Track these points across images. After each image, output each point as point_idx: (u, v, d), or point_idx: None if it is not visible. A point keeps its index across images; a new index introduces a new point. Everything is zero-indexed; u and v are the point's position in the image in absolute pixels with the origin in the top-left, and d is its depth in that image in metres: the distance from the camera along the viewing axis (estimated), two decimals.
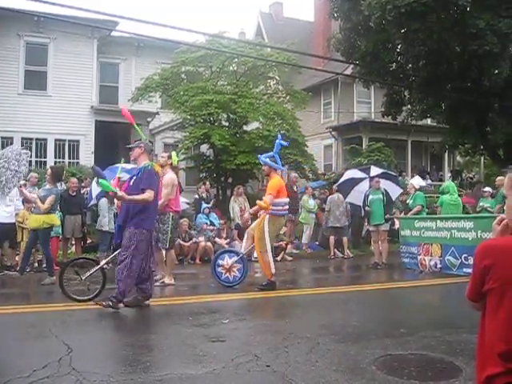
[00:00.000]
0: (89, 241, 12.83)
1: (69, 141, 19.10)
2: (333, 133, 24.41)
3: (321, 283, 10.09)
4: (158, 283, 8.22)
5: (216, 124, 18.50)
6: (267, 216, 8.23)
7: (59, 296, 6.87)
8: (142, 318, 6.36)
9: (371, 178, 12.33)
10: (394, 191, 12.62)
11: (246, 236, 8.95)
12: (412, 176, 21.62)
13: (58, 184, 12.18)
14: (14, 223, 10.36)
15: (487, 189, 14.09)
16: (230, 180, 18.72)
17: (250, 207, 12.98)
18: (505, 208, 2.12)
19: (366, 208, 11.93)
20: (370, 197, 11.78)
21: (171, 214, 8.33)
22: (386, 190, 11.90)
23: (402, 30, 13.79)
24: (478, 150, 18.81)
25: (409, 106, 17.93)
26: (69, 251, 11.86)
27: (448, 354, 4.52)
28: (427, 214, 12.44)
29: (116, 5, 65.66)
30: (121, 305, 6.42)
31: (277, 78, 20.92)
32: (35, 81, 18.86)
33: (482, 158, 24.34)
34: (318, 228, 15.39)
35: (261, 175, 18.28)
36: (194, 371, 4.03)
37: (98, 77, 20.41)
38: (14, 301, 7.50)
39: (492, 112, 15.64)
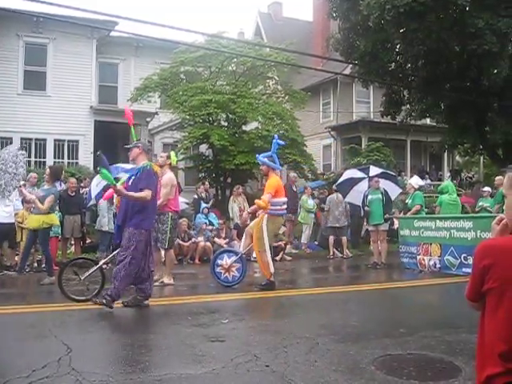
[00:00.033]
0: (88, 241, 12.82)
1: (68, 141, 19.10)
2: (332, 133, 24.41)
3: (320, 283, 10.09)
4: (156, 283, 8.21)
5: (215, 124, 18.51)
6: (266, 216, 8.24)
7: (59, 296, 6.86)
8: (142, 318, 6.35)
9: (370, 178, 12.33)
10: (394, 191, 12.62)
11: (244, 235, 8.95)
12: (411, 176, 21.62)
13: (58, 184, 12.21)
14: (14, 223, 10.35)
15: (486, 188, 14.09)
16: (229, 180, 18.72)
17: (249, 207, 13.00)
18: (504, 208, 2.12)
19: (366, 208, 11.93)
20: (369, 197, 11.78)
21: (170, 213, 8.32)
22: (385, 190, 11.90)
23: (401, 30, 13.80)
24: (477, 150, 18.83)
25: (408, 106, 17.94)
26: (68, 251, 11.85)
27: (447, 353, 4.52)
28: (426, 213, 12.44)
29: (115, 5, 65.66)
30: (114, 304, 6.41)
31: (276, 77, 20.92)
32: (34, 81, 18.85)
33: (482, 158, 24.36)
34: (317, 228, 15.40)
35: (260, 175, 18.27)
36: (193, 371, 4.03)
37: (97, 77, 20.42)
38: (14, 301, 7.49)
39: (491, 112, 15.65)
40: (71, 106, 18.62)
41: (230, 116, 18.63)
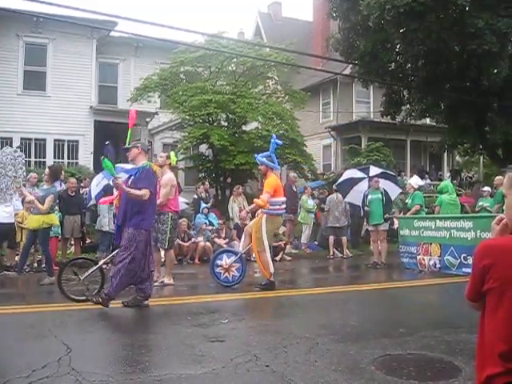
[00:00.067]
0: (88, 241, 12.82)
1: (68, 141, 19.10)
2: (332, 133, 24.41)
3: (320, 283, 10.09)
4: (156, 283, 8.21)
5: (215, 124, 18.51)
6: (265, 215, 8.24)
7: (59, 296, 6.86)
8: (142, 318, 6.35)
9: (370, 178, 12.33)
10: (393, 191, 12.62)
11: (243, 235, 8.95)
12: (411, 176, 21.62)
13: (58, 183, 12.21)
14: (14, 223, 10.35)
15: (486, 188, 14.09)
16: (229, 180, 18.72)
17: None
18: (504, 207, 2.12)
19: (365, 208, 11.93)
20: (369, 196, 11.78)
21: (170, 214, 8.32)
22: (385, 190, 11.90)
23: (401, 30, 13.80)
24: (477, 150, 18.84)
25: (408, 106, 17.95)
26: (68, 251, 11.85)
27: (447, 353, 4.52)
28: (426, 213, 12.44)
29: (115, 5, 65.62)
30: (110, 303, 6.41)
31: (276, 77, 20.92)
32: (34, 81, 18.85)
33: (481, 158, 24.36)
34: (317, 228, 15.40)
35: (259, 175, 18.27)
36: (193, 371, 4.03)
37: (97, 77, 20.41)
38: (14, 301, 7.48)
39: (491, 111, 15.66)
40: (71, 106, 18.63)
41: (230, 116, 18.63)
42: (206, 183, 16.40)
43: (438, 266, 10.34)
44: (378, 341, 4.97)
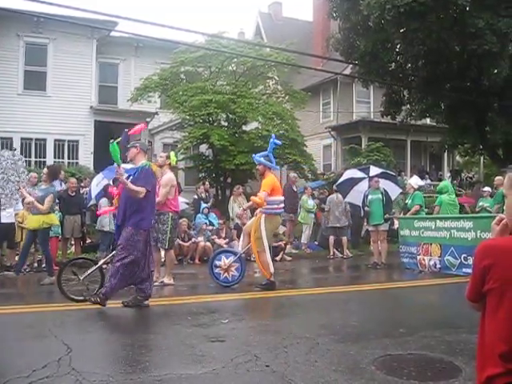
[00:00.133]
0: (88, 241, 12.83)
1: (68, 141, 19.11)
2: (332, 133, 24.41)
3: (320, 283, 10.09)
4: (156, 283, 8.21)
5: (215, 124, 18.51)
6: (263, 215, 8.24)
7: (59, 296, 6.87)
8: (142, 318, 6.35)
9: (370, 178, 12.33)
10: (394, 191, 12.62)
11: (242, 235, 8.95)
12: (411, 176, 21.61)
13: (58, 183, 12.22)
14: (14, 223, 10.36)
15: (487, 188, 14.09)
16: (229, 180, 18.71)
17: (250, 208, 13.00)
18: (504, 208, 2.12)
19: (366, 208, 11.93)
20: (370, 197, 11.78)
21: (170, 214, 8.32)
22: (385, 190, 11.90)
23: (401, 30, 13.80)
24: (477, 150, 18.84)
25: (408, 106, 17.95)
26: (68, 251, 11.86)
27: (447, 353, 4.52)
28: (426, 213, 12.43)
29: (115, 5, 65.66)
30: (107, 302, 6.41)
31: (276, 77, 20.92)
32: (35, 81, 18.86)
33: (482, 158, 24.36)
34: (317, 228, 15.40)
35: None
36: (193, 371, 4.03)
37: (97, 77, 20.42)
38: (14, 301, 7.49)
39: (491, 112, 15.65)
40: (71, 106, 18.63)
41: (230, 116, 18.63)
42: (207, 183, 16.40)
43: (438, 266, 10.33)
44: (378, 341, 4.97)
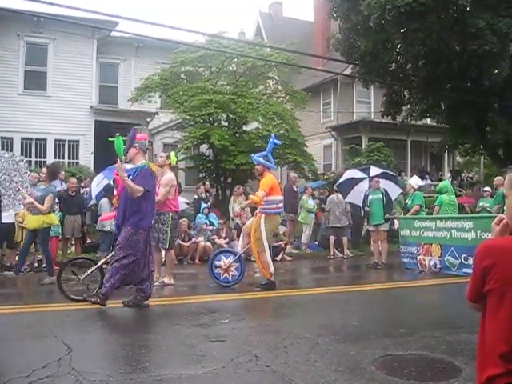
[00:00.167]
0: (88, 241, 12.84)
1: (68, 141, 19.12)
2: (332, 133, 24.41)
3: (320, 283, 10.09)
4: (157, 283, 8.22)
5: (215, 124, 18.52)
6: (263, 215, 8.24)
7: (59, 296, 6.87)
8: (142, 318, 6.35)
9: (371, 178, 12.33)
10: (394, 191, 12.62)
11: (242, 234, 8.95)
12: (411, 176, 21.62)
13: (59, 183, 12.22)
14: (14, 223, 10.36)
15: (487, 188, 14.09)
16: (229, 180, 18.72)
17: (250, 208, 13.00)
18: (505, 208, 2.11)
19: (366, 208, 11.93)
20: (370, 197, 11.78)
21: (170, 213, 8.32)
22: (385, 190, 11.90)
23: (402, 30, 13.81)
24: (477, 150, 18.84)
25: (408, 106, 17.95)
26: (68, 251, 11.86)
27: (448, 354, 4.52)
28: (427, 213, 12.43)
29: (115, 5, 65.69)
30: (107, 302, 6.41)
31: (276, 77, 20.93)
32: (35, 81, 18.86)
33: (482, 158, 24.36)
34: (318, 228, 15.40)
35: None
36: (193, 371, 4.03)
37: (97, 77, 20.42)
38: (14, 301, 7.50)
39: (492, 112, 15.66)
40: (72, 106, 18.64)
41: (231, 116, 18.64)
42: (207, 183, 16.40)
43: (438, 266, 10.33)
44: (378, 341, 4.97)
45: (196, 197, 15.08)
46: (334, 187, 14.44)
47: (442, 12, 13.30)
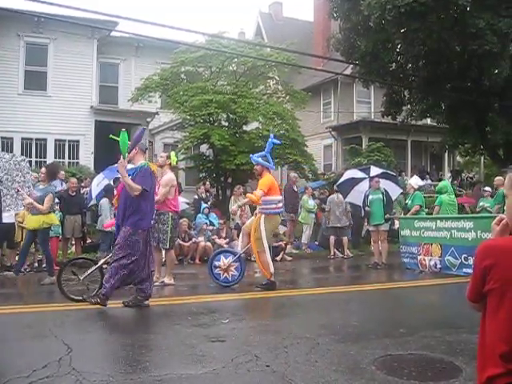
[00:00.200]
0: (89, 241, 12.83)
1: (69, 141, 19.13)
2: (332, 133, 24.41)
3: (320, 283, 10.09)
4: (157, 283, 8.22)
5: (216, 124, 18.52)
6: (262, 216, 8.24)
7: (59, 296, 6.87)
8: (142, 318, 6.35)
9: (371, 178, 12.33)
10: (394, 191, 12.62)
11: (241, 234, 8.95)
12: (411, 176, 21.62)
13: (59, 183, 12.22)
14: (14, 223, 10.35)
15: (487, 188, 14.08)
16: (229, 180, 18.72)
17: (250, 207, 13.00)
18: (505, 208, 2.11)
19: (366, 208, 11.93)
20: (370, 197, 11.78)
21: (170, 213, 8.32)
22: (385, 190, 11.90)
23: (402, 30, 13.80)
24: (477, 150, 18.83)
25: (408, 106, 17.95)
26: (69, 251, 11.86)
27: (448, 354, 4.52)
28: (427, 213, 12.44)
29: (115, 5, 65.69)
30: (108, 302, 6.42)
31: (276, 77, 20.93)
32: (35, 81, 18.87)
33: (482, 158, 24.35)
34: (318, 228, 15.40)
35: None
36: (193, 371, 4.03)
37: (97, 77, 20.43)
38: (14, 301, 7.50)
39: (492, 112, 15.65)
40: (72, 106, 18.64)
41: (231, 116, 18.64)
42: (207, 183, 16.41)
43: (438, 266, 10.33)
44: (378, 341, 4.97)
45: (196, 197, 15.08)
46: (335, 187, 14.44)
47: (442, 12, 13.29)
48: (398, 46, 15.64)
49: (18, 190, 8.92)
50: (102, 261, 7.43)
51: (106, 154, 17.27)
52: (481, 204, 13.54)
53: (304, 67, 17.78)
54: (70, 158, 19.14)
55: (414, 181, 16.34)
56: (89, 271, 6.91)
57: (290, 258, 13.45)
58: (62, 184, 12.72)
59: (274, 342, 4.89)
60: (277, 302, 7.54)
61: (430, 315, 6.56)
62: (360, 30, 15.60)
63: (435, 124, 20.75)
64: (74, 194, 11.84)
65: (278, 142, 9.27)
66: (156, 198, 7.65)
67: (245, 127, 19.05)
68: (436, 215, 11.34)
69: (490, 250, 1.98)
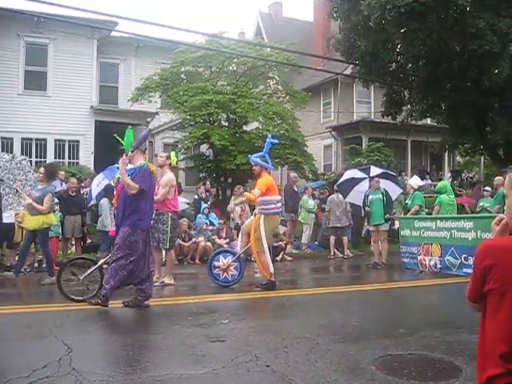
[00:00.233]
0: (89, 241, 12.84)
1: (69, 141, 19.12)
2: (332, 133, 24.40)
3: (321, 283, 10.09)
4: (157, 283, 8.22)
5: (216, 124, 18.51)
6: (262, 216, 8.24)
7: (59, 296, 6.87)
8: (142, 318, 6.35)
9: (371, 178, 12.33)
10: (394, 191, 12.62)
11: (240, 234, 8.95)
12: (411, 176, 21.62)
13: (59, 183, 12.21)
14: (14, 223, 10.35)
15: (488, 188, 14.08)
16: (229, 180, 18.71)
17: (250, 208, 13.01)
18: (505, 208, 2.11)
19: (366, 208, 11.93)
20: (370, 197, 11.78)
21: (169, 213, 8.33)
22: (385, 190, 11.90)
23: (402, 30, 13.80)
24: (477, 150, 18.83)
25: (408, 106, 17.94)
26: (69, 251, 11.86)
27: (448, 354, 4.52)
28: (427, 213, 12.44)
29: (115, 5, 65.69)
30: (109, 302, 6.42)
31: (276, 78, 20.92)
32: (35, 81, 18.86)
33: (482, 158, 24.35)
34: (318, 228, 15.40)
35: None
36: (193, 371, 4.03)
37: (97, 77, 20.42)
38: (14, 301, 7.49)
39: (492, 112, 15.65)
40: (72, 106, 18.64)
41: (231, 116, 18.63)
42: (208, 183, 16.41)
43: (438, 266, 10.33)
44: (378, 341, 4.97)
45: (196, 197, 15.08)
46: (335, 187, 14.44)
47: (442, 12, 13.29)
48: (398, 46, 15.64)
49: (17, 191, 8.92)
50: (102, 261, 7.43)
51: (106, 154, 17.27)
52: (481, 204, 13.54)
53: (304, 67, 17.78)
54: (69, 158, 19.13)
55: (414, 181, 16.36)
56: (88, 271, 6.91)
57: (289, 258, 13.45)
58: (61, 184, 12.72)
59: (274, 342, 4.89)
60: (277, 302, 7.54)
61: (429, 315, 6.56)
62: (360, 30, 15.59)
63: (435, 124, 20.74)
64: (74, 194, 11.84)
65: (276, 141, 9.28)
66: (155, 197, 7.65)
67: (245, 127, 19.05)
68: (436, 215, 11.34)
69: (490, 250, 1.98)
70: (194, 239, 12.60)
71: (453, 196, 11.91)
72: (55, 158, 18.72)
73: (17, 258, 10.09)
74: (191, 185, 19.00)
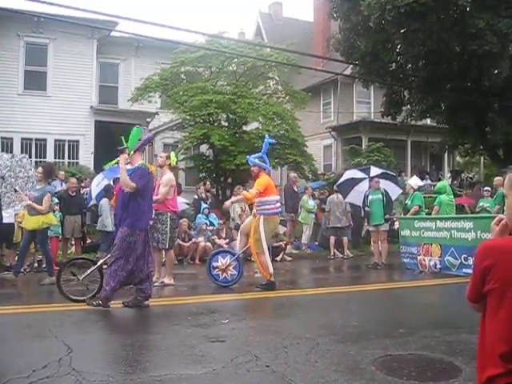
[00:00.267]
0: (88, 241, 12.84)
1: (68, 141, 19.12)
2: (332, 133, 24.41)
3: (320, 283, 10.09)
4: (157, 283, 8.22)
5: (215, 124, 18.51)
6: (261, 217, 8.24)
7: (59, 296, 6.87)
8: (142, 319, 6.35)
9: (371, 178, 12.33)
10: (394, 191, 12.63)
11: (239, 234, 8.95)
12: (411, 176, 21.60)
13: (58, 183, 12.22)
14: (13, 223, 10.35)
15: (487, 189, 14.09)
16: (229, 180, 18.71)
17: (250, 208, 13.00)
18: (505, 208, 2.11)
19: (366, 208, 11.94)
20: (370, 197, 11.78)
21: (169, 213, 8.33)
22: (385, 190, 11.90)
23: (402, 30, 13.79)
24: (477, 150, 18.84)
25: (408, 106, 17.94)
26: (69, 251, 11.86)
27: (448, 354, 4.52)
28: (426, 214, 12.44)
29: (115, 5, 65.67)
30: (110, 303, 6.41)
31: (276, 78, 20.92)
32: (35, 81, 18.87)
33: (482, 158, 24.36)
34: (318, 228, 15.40)
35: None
36: (193, 371, 4.03)
37: (97, 77, 20.43)
38: (14, 301, 7.50)
39: (492, 112, 15.66)
40: (72, 106, 18.64)
41: (231, 116, 18.63)
42: (208, 183, 16.40)
43: (438, 266, 10.33)
44: (378, 341, 4.97)
45: (196, 197, 15.08)
46: (334, 187, 14.44)
47: (442, 12, 13.29)
48: (398, 47, 15.64)
49: (16, 190, 8.92)
50: (101, 261, 7.43)
51: (106, 154, 17.24)
52: (480, 204, 13.55)
53: (304, 67, 17.78)
54: (69, 158, 19.13)
55: (414, 181, 16.28)
56: (88, 271, 6.91)
57: (289, 259, 13.45)
58: (61, 184, 12.73)
59: (274, 342, 4.89)
60: (277, 302, 7.54)
61: (429, 315, 6.56)
62: (360, 30, 15.59)
63: (435, 124, 20.75)
64: (74, 194, 11.85)
65: (273, 141, 9.29)
66: (155, 197, 7.65)
67: (245, 127, 19.03)
68: (436, 215, 11.34)
69: (489, 250, 1.98)
70: (193, 239, 12.60)
71: (452, 196, 11.91)
72: (55, 158, 18.73)
73: (16, 259, 10.10)
74: (191, 185, 19.00)
